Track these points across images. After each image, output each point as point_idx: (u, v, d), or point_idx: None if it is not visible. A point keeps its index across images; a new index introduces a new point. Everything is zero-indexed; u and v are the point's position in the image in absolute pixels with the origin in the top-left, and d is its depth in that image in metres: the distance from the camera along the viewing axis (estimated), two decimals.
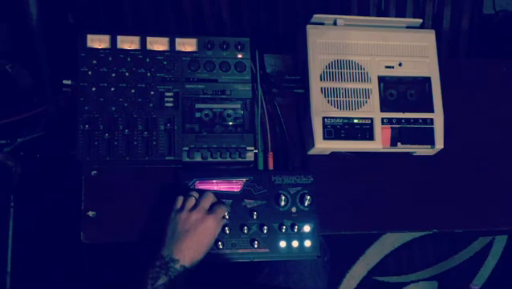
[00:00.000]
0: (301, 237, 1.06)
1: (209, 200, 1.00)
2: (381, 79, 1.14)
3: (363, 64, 1.14)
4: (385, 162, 1.16)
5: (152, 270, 0.90)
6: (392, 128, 1.12)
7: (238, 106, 1.08)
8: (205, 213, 0.97)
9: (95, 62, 1.04)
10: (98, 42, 1.05)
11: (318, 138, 1.09)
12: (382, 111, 1.12)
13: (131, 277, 0.90)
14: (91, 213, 1.03)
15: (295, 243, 1.05)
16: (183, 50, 1.08)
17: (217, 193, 1.04)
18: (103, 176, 1.05)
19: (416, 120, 1.13)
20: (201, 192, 1.01)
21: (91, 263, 1.27)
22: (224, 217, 1.01)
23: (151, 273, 0.90)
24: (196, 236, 0.94)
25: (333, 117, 1.10)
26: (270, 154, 1.11)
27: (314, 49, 1.12)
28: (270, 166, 1.11)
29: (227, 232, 1.03)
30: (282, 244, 1.05)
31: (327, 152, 1.14)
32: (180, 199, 0.98)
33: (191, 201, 0.98)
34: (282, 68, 1.20)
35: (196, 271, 0.94)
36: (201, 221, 0.95)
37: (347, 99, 1.12)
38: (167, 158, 1.04)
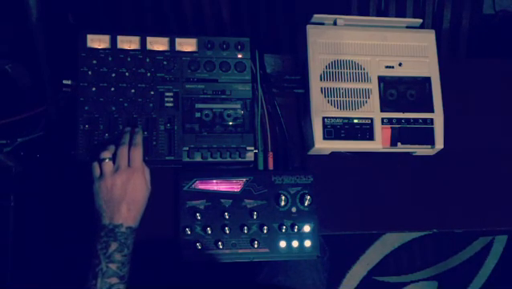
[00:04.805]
0: (301, 237, 1.06)
1: (124, 155, 0.95)
2: (381, 79, 1.14)
3: (363, 64, 1.14)
4: (385, 162, 1.16)
5: (99, 241, 0.88)
6: (392, 128, 1.12)
7: (238, 106, 1.08)
8: (128, 171, 0.93)
9: (95, 62, 1.04)
10: (98, 42, 1.05)
11: (318, 138, 1.09)
12: (382, 111, 1.12)
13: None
14: None
15: (295, 243, 1.05)
16: (183, 50, 1.08)
17: (217, 193, 1.04)
18: None
19: (416, 120, 1.13)
20: (117, 150, 0.96)
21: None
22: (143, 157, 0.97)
23: (99, 244, 0.88)
24: (129, 197, 0.92)
25: (333, 117, 1.10)
26: (270, 154, 1.11)
27: (314, 49, 1.12)
28: (270, 166, 1.11)
29: (227, 232, 1.03)
30: (282, 244, 1.05)
31: (327, 152, 1.14)
32: (96, 166, 0.95)
33: (108, 165, 0.94)
34: (282, 68, 1.20)
35: (196, 271, 0.94)
36: (127, 182, 0.92)
37: (347, 99, 1.12)
38: (167, 158, 1.04)
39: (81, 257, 0.91)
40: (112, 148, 0.96)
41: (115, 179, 0.92)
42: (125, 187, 0.92)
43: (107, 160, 0.94)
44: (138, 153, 0.96)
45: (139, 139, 0.98)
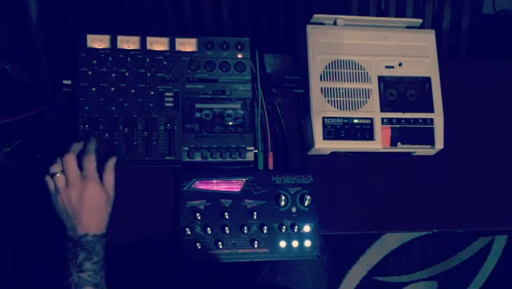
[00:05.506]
0: (301, 237, 1.06)
1: (70, 167, 0.91)
2: (381, 79, 1.14)
3: (363, 64, 1.14)
4: (385, 162, 1.16)
5: (68, 253, 0.89)
6: (391, 128, 1.12)
7: (238, 106, 1.08)
8: (81, 183, 0.90)
9: (95, 62, 1.04)
10: (98, 42, 1.05)
11: (318, 138, 1.09)
12: (382, 111, 1.12)
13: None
14: None
15: (295, 243, 1.05)
16: (183, 50, 1.08)
17: (217, 193, 1.04)
18: None
19: (416, 120, 1.13)
20: (62, 161, 0.92)
21: None
22: (96, 161, 0.93)
23: (69, 255, 0.88)
24: (87, 207, 0.90)
25: (333, 117, 1.10)
26: (270, 154, 1.11)
27: (315, 49, 1.12)
28: (270, 166, 1.11)
29: (227, 232, 1.03)
30: (282, 244, 1.05)
31: (327, 152, 1.14)
32: (49, 180, 0.92)
33: (60, 180, 0.91)
34: (282, 68, 1.20)
35: (196, 271, 0.93)
36: (82, 194, 0.90)
37: (347, 99, 1.12)
38: (167, 158, 1.04)
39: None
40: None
41: (68, 193, 0.90)
42: (80, 198, 0.90)
43: (58, 175, 0.91)
44: (90, 161, 0.92)
45: (91, 146, 0.94)
